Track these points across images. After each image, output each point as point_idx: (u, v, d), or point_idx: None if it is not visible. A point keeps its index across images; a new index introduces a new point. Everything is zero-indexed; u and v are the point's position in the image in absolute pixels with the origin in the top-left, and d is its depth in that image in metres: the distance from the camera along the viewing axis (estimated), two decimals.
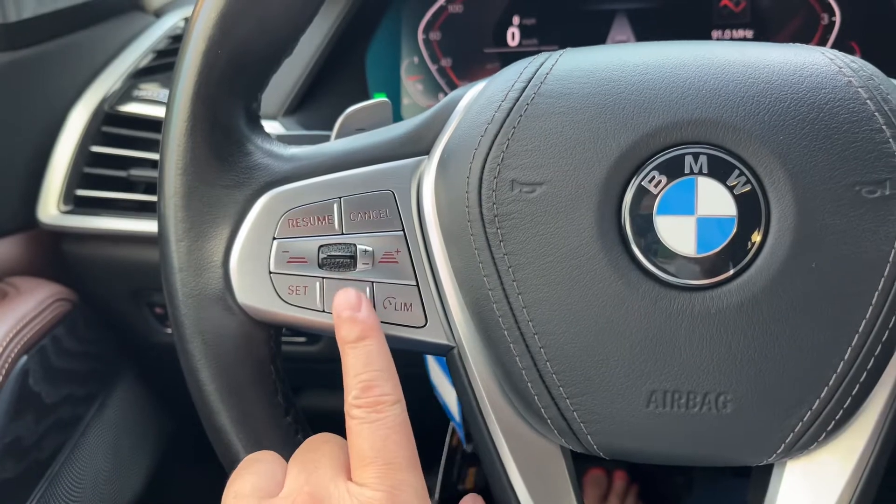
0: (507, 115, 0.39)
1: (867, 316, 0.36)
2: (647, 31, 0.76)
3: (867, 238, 0.36)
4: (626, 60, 0.39)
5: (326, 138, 0.49)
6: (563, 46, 0.77)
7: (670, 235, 0.37)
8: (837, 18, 0.74)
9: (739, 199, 0.36)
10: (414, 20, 0.80)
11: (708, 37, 0.75)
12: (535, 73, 0.40)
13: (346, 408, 0.38)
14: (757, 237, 0.36)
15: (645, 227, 0.37)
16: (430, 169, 0.41)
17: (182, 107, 0.40)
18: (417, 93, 0.80)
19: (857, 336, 0.36)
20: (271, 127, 0.74)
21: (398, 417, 0.38)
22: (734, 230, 0.36)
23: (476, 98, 0.42)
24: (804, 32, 0.74)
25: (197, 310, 0.41)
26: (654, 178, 0.37)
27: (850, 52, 0.74)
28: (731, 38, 0.75)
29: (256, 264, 0.41)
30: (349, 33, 0.77)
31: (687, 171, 0.37)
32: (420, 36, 0.80)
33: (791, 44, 0.41)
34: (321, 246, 0.41)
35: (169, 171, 0.41)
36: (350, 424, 0.38)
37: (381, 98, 0.50)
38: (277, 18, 0.42)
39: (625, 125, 0.37)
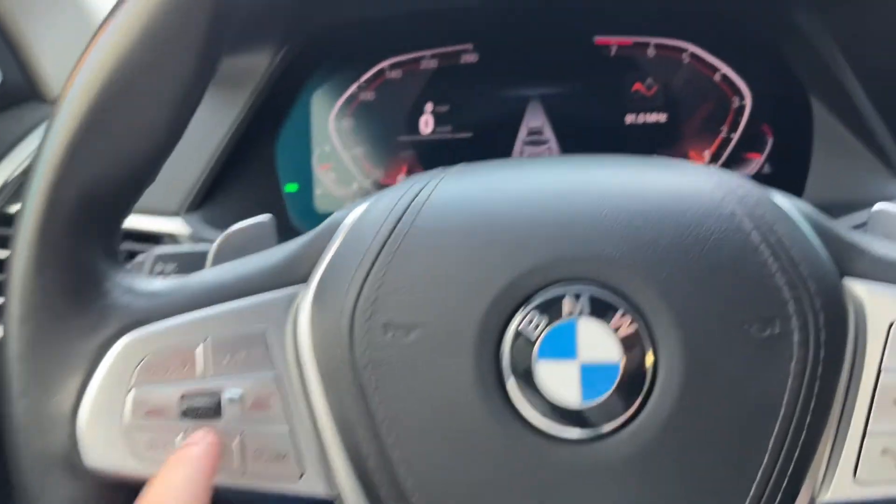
0: (382, 248, 0.36)
1: (764, 463, 0.33)
2: (561, 116, 0.75)
3: (759, 380, 0.34)
4: (504, 189, 0.37)
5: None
6: (476, 133, 0.76)
7: (552, 383, 0.34)
8: (748, 102, 0.73)
9: (624, 342, 0.34)
10: (325, 108, 0.77)
11: (622, 121, 0.75)
12: (412, 203, 0.37)
13: None
14: (644, 382, 0.34)
15: (525, 375, 0.34)
16: (306, 301, 0.38)
17: (24, 248, 0.37)
18: (331, 182, 0.78)
19: (754, 485, 0.33)
20: (173, 225, 0.70)
21: None
22: (619, 376, 0.34)
23: (355, 224, 0.39)
24: (716, 116, 0.74)
25: (42, 475, 0.37)
26: (533, 320, 0.34)
27: (762, 135, 0.74)
28: (644, 123, 0.75)
29: (110, 419, 0.37)
30: (258, 122, 0.75)
31: (567, 312, 0.34)
32: (332, 124, 0.77)
33: (681, 163, 0.40)
34: (183, 395, 0.38)
35: (10, 320, 0.37)
36: None
37: (263, 217, 0.47)
38: (135, 146, 0.39)
39: (501, 264, 0.35)
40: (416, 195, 0.38)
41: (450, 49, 0.76)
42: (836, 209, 0.69)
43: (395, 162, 0.77)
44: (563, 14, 0.74)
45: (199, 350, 0.38)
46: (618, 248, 0.34)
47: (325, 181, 0.78)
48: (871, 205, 0.68)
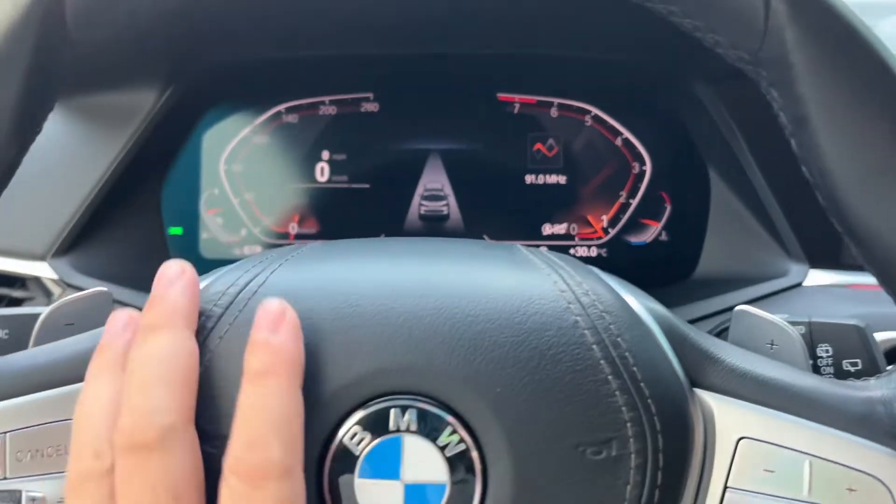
0: (203, 342, 0.33)
1: None
2: (460, 172, 0.73)
3: None
4: (340, 283, 0.35)
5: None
6: (373, 185, 0.74)
7: None
8: (648, 168, 0.73)
9: (451, 462, 0.31)
10: (216, 149, 0.74)
11: (522, 181, 0.73)
12: (239, 295, 0.34)
13: (223, 471, 0.29)
14: None
15: (345, 495, 0.31)
16: None
17: None
18: (217, 227, 0.74)
19: None
20: (39, 269, 0.65)
21: (284, 495, 0.29)
22: (445, 498, 0.31)
23: None
24: (616, 180, 0.73)
25: None
26: (356, 434, 0.32)
27: (661, 202, 0.73)
28: (545, 183, 0.73)
29: None
30: (143, 161, 0.71)
31: (393, 427, 0.32)
32: (222, 167, 0.74)
33: (533, 260, 0.38)
34: None
35: None
36: (222, 494, 0.29)
37: (99, 289, 0.43)
38: None
39: (325, 370, 0.32)
40: (248, 284, 0.35)
41: (350, 96, 0.73)
42: (730, 282, 0.69)
43: (286, 209, 0.74)
44: (466, 69, 0.73)
45: None
46: (449, 359, 0.32)
47: (212, 226, 0.74)
48: (766, 279, 0.69)
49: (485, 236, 0.74)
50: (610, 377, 0.32)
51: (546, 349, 0.32)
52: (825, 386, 0.36)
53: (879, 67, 0.33)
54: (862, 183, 0.34)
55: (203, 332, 0.33)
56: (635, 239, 0.73)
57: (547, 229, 0.74)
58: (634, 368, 0.33)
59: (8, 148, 0.35)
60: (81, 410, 0.32)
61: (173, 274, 0.33)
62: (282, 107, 0.73)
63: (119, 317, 0.34)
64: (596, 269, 0.39)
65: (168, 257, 0.73)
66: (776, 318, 0.39)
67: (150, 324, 0.32)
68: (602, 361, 0.32)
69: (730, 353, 0.37)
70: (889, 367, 0.40)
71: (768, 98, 0.37)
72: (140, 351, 0.31)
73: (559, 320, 0.33)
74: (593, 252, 0.73)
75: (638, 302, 0.37)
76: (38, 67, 0.35)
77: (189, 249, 0.73)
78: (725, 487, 0.34)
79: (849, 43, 0.34)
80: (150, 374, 0.30)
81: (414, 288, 0.34)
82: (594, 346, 0.33)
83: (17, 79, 0.34)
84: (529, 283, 0.35)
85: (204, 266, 0.38)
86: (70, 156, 0.67)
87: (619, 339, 0.33)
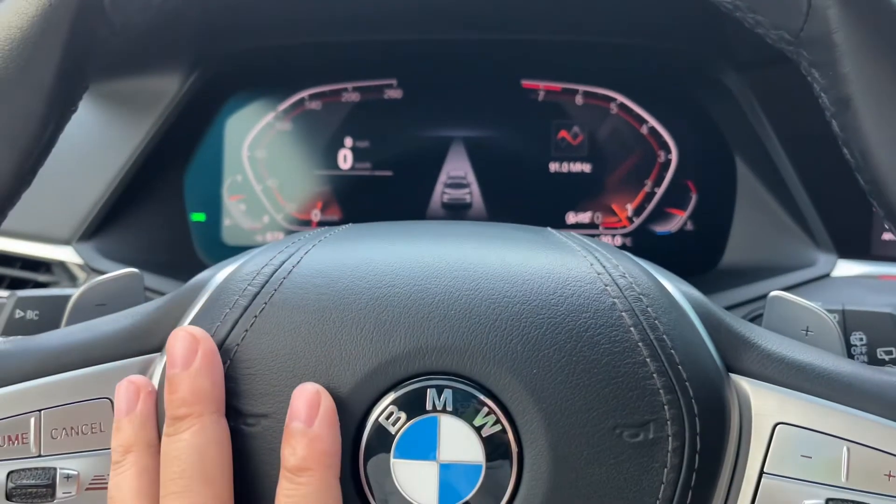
0: (233, 326, 0.33)
1: None
2: (484, 160, 0.73)
3: (629, 489, 0.31)
4: (374, 263, 0.34)
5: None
6: (396, 172, 0.74)
7: (409, 484, 0.31)
8: (674, 157, 0.72)
9: (487, 442, 0.31)
10: (239, 136, 0.74)
11: (546, 169, 0.73)
12: (276, 272, 0.34)
13: None
14: (507, 487, 0.31)
15: (382, 474, 0.31)
16: (157, 373, 0.35)
17: None
18: (240, 214, 0.74)
19: None
20: (64, 254, 0.66)
21: None
22: (481, 479, 0.31)
23: (216, 290, 0.35)
24: (641, 169, 0.73)
25: None
26: (392, 414, 0.31)
27: (686, 191, 0.73)
28: (569, 171, 0.73)
29: None
30: (166, 147, 0.71)
31: (429, 407, 0.31)
32: (245, 153, 0.74)
33: (568, 243, 0.37)
34: (11, 472, 0.34)
35: None
36: None
37: (130, 270, 0.43)
38: None
39: (361, 350, 0.32)
40: (283, 263, 0.35)
41: (373, 83, 0.73)
42: (756, 272, 0.68)
43: (309, 196, 0.74)
44: (491, 55, 0.72)
45: (31, 424, 0.34)
46: (486, 339, 0.32)
47: (235, 212, 0.74)
48: (793, 269, 0.68)
49: (508, 222, 0.73)
50: (648, 360, 0.32)
51: (583, 331, 0.32)
52: (863, 371, 0.36)
53: None
54: None
55: (237, 310, 0.33)
56: (660, 228, 0.73)
57: (571, 218, 0.73)
58: (672, 351, 0.32)
59: (45, 125, 0.35)
60: (118, 496, 0.32)
61: (186, 349, 0.32)
62: (305, 93, 0.73)
63: (126, 388, 0.33)
64: (629, 254, 0.39)
65: (191, 243, 0.73)
66: (811, 304, 0.39)
67: (177, 415, 0.31)
68: (640, 344, 0.32)
69: (766, 339, 0.36)
70: None
71: (809, 79, 0.36)
72: (173, 446, 0.31)
73: (596, 302, 0.33)
74: (618, 241, 0.73)
75: (673, 286, 0.36)
76: (75, 46, 0.35)
77: (211, 236, 0.73)
78: (762, 473, 0.34)
79: (894, 21, 0.33)
80: (187, 471, 0.30)
81: (450, 269, 0.34)
82: (632, 329, 0.32)
83: (55, 57, 0.34)
84: (566, 265, 0.34)
85: (226, 252, 0.38)
86: (94, 141, 0.68)
87: (656, 322, 0.33)
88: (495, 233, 0.38)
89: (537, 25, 0.68)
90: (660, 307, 0.33)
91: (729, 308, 0.62)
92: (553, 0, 0.62)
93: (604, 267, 0.35)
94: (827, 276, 0.66)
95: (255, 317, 0.33)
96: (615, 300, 0.33)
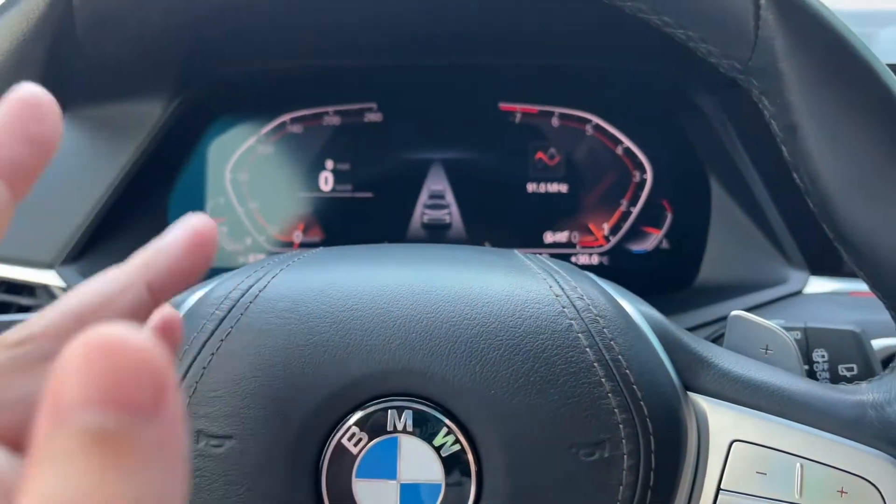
0: (200, 350, 0.34)
1: None
2: (463, 181, 0.74)
3: None
4: (339, 288, 0.35)
5: None
6: (377, 194, 0.75)
7: None
8: (649, 176, 0.73)
9: (447, 462, 0.32)
10: (221, 159, 0.75)
11: (524, 189, 0.74)
12: (241, 298, 0.35)
13: None
14: None
15: (343, 495, 0.32)
16: None
17: None
18: (223, 236, 0.75)
19: None
20: (47, 277, 0.66)
21: None
22: (441, 498, 0.32)
23: (187, 314, 0.36)
24: (617, 189, 0.74)
25: None
26: (354, 435, 0.32)
27: (662, 210, 0.74)
28: (546, 192, 0.74)
29: None
30: (150, 170, 0.72)
31: (390, 428, 0.32)
32: (228, 176, 0.75)
33: (528, 265, 0.38)
34: None
35: None
36: None
37: None
38: None
39: (324, 373, 0.33)
40: (250, 288, 0.36)
41: (354, 107, 0.74)
42: (731, 289, 0.69)
43: (291, 218, 0.75)
44: (468, 78, 0.74)
45: None
46: (445, 361, 0.33)
47: (218, 235, 0.75)
48: (766, 286, 0.69)
49: (486, 244, 0.75)
50: (603, 380, 0.33)
51: (540, 352, 0.33)
52: (817, 390, 0.37)
53: (866, 75, 0.34)
54: (851, 189, 0.34)
55: (204, 334, 0.34)
56: (637, 247, 0.74)
57: (549, 237, 0.74)
58: (627, 371, 0.33)
59: None
60: None
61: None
62: (287, 117, 0.74)
63: None
64: (592, 275, 0.40)
65: None
66: (769, 324, 0.40)
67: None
68: (595, 364, 0.33)
69: (723, 358, 0.37)
70: (882, 372, 0.40)
71: (760, 106, 0.38)
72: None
73: (554, 324, 0.34)
74: (595, 260, 0.74)
75: (632, 306, 0.37)
76: (51, 78, 0.36)
77: None
78: (718, 489, 0.35)
79: (837, 51, 0.34)
80: None
81: (411, 292, 0.35)
82: (588, 349, 0.33)
83: None
84: (525, 288, 0.35)
85: (209, 274, 0.39)
86: (77, 165, 0.69)
87: (612, 343, 0.34)
88: (460, 256, 0.39)
89: (514, 51, 0.69)
90: (616, 328, 0.34)
91: (701, 326, 0.63)
92: (529, 30, 0.63)
93: (562, 289, 0.36)
94: (799, 293, 0.67)
95: (222, 341, 0.34)
96: (572, 321, 0.34)
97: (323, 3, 0.60)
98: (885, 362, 0.51)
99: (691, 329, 0.62)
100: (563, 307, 0.35)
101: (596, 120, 0.73)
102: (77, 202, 0.68)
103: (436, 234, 0.74)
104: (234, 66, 0.72)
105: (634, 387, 0.33)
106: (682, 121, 0.72)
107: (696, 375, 0.36)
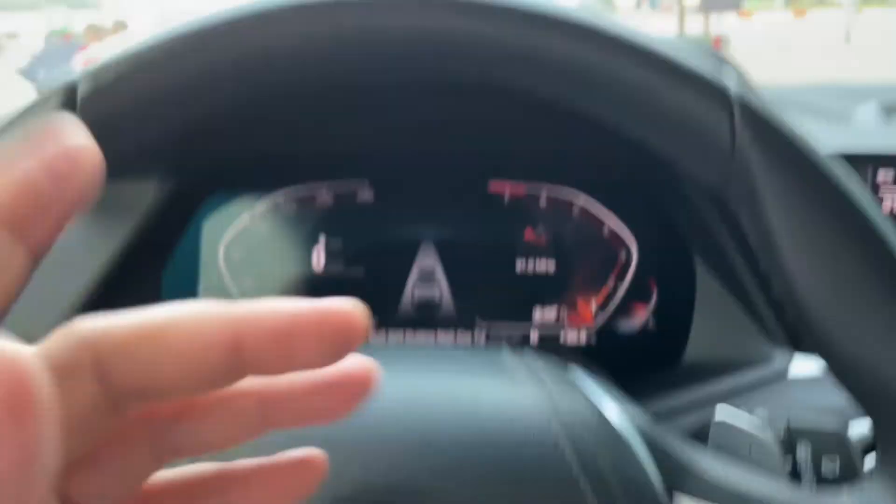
0: None
1: None
2: (452, 259, 0.75)
3: None
4: None
5: None
6: (368, 272, 0.76)
7: None
8: (635, 256, 0.75)
9: None
10: (215, 237, 0.76)
11: (512, 268, 0.75)
12: None
13: None
14: None
15: None
16: None
17: None
18: None
19: None
20: None
21: None
22: None
23: None
24: (603, 268, 0.75)
25: None
26: None
27: (648, 290, 0.75)
28: (535, 270, 0.75)
29: None
30: (143, 249, 0.73)
31: None
32: (221, 254, 0.76)
33: (513, 379, 0.39)
34: None
35: None
36: None
37: None
38: None
39: None
40: None
41: (346, 185, 0.76)
42: (717, 368, 0.70)
43: (283, 296, 0.76)
44: (458, 156, 0.75)
45: None
46: (431, 479, 0.33)
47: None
48: (751, 364, 0.70)
49: (477, 318, 0.76)
50: (589, 493, 0.34)
51: (524, 470, 0.34)
52: (802, 498, 0.37)
53: (840, 197, 0.36)
54: (828, 305, 0.36)
55: None
56: (624, 325, 0.75)
57: (537, 314, 0.75)
58: (611, 485, 0.34)
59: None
60: None
61: None
62: (279, 196, 0.76)
63: None
64: (579, 375, 0.41)
65: None
66: (752, 430, 0.41)
67: None
68: (580, 479, 0.34)
69: (709, 465, 0.38)
70: (865, 472, 0.41)
71: (737, 217, 0.39)
72: None
73: (539, 438, 0.35)
74: (583, 339, 0.75)
75: (619, 416, 0.38)
76: None
77: None
78: None
79: (811, 176, 0.36)
80: None
81: (394, 400, 0.36)
82: (572, 465, 0.34)
83: None
84: (512, 401, 0.36)
85: None
86: (70, 246, 0.70)
87: (596, 457, 0.35)
88: (446, 366, 0.40)
89: (503, 134, 0.71)
90: (599, 439, 0.35)
91: (688, 409, 0.64)
92: (517, 113, 0.65)
93: (550, 393, 0.37)
94: (783, 371, 0.69)
95: None
96: (558, 437, 0.35)
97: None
98: (866, 451, 0.51)
99: (677, 412, 0.63)
100: (550, 418, 0.35)
101: (583, 200, 0.75)
102: (70, 282, 0.69)
103: (426, 312, 0.75)
104: (229, 148, 0.73)
105: (617, 501, 0.34)
106: (666, 201, 0.74)
107: (682, 483, 0.37)
